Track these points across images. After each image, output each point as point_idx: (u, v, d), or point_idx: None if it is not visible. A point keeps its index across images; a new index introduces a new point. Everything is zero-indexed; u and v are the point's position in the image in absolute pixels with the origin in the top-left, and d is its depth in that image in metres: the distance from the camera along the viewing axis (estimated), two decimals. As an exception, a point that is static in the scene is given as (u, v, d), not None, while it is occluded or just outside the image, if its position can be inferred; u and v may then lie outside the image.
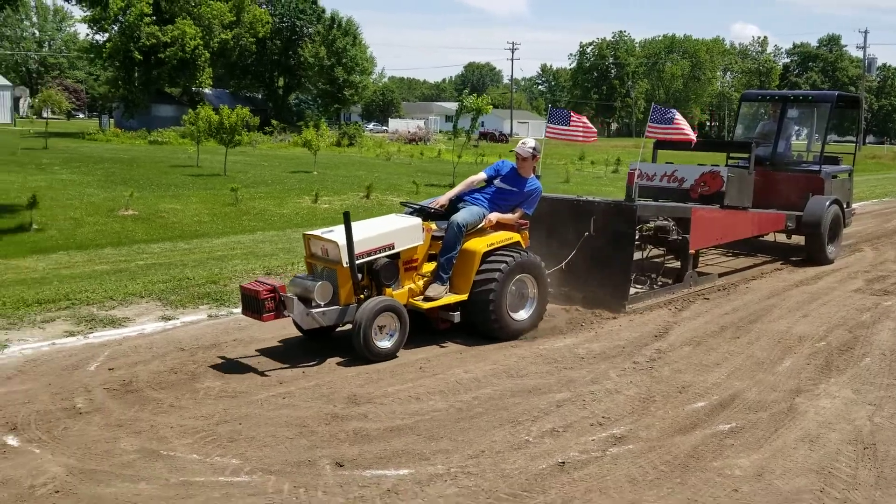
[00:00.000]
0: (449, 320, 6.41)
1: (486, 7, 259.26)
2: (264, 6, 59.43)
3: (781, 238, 11.83)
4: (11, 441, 4.42)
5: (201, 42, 52.05)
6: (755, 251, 11.73)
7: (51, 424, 4.66)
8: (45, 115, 41.43)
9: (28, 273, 9.65)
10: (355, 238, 5.80)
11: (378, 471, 4.19)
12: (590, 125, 9.05)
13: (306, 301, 5.82)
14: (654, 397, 5.44)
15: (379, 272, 6.05)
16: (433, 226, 6.57)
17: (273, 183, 24.90)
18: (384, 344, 5.90)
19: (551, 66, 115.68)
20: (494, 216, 6.75)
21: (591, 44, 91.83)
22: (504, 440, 4.64)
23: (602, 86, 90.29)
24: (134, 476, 4.05)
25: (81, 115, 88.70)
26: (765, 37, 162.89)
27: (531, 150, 6.96)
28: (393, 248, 6.18)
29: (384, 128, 77.50)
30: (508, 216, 6.87)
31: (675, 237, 8.54)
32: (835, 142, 37.53)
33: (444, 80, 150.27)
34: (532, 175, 7.05)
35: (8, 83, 71.58)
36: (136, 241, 12.41)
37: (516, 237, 6.78)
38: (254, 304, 5.69)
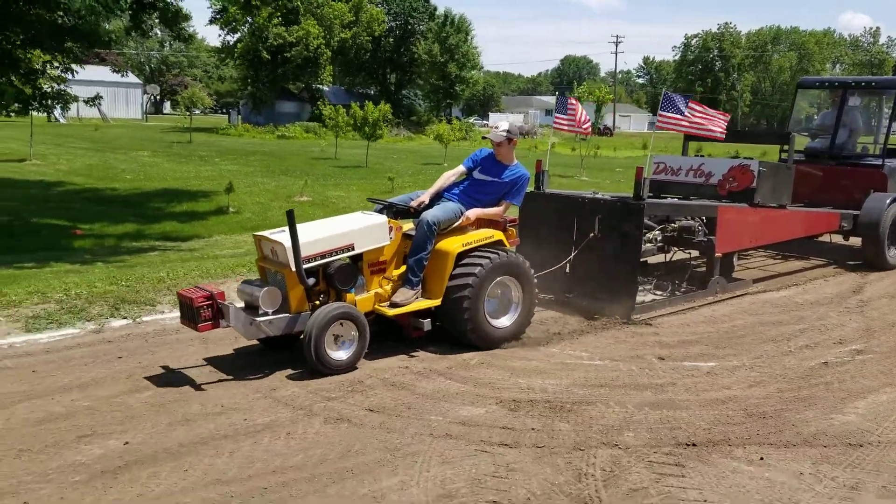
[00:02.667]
0: (419, 328, 5.84)
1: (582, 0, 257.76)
2: (381, 6, 62.07)
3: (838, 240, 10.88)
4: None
5: (323, 41, 55.11)
6: (811, 254, 10.73)
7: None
8: (190, 111, 45.07)
9: (248, 245, 11.59)
10: (309, 238, 5.38)
11: (692, 363, 5.92)
12: (712, 120, 7.80)
13: (254, 309, 5.34)
14: (874, 328, 7.00)
15: (333, 276, 5.46)
16: (411, 224, 6.07)
17: (414, 174, 27.00)
18: (339, 355, 5.33)
19: (653, 58, 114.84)
20: (473, 213, 6.12)
21: (695, 36, 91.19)
22: (773, 350, 6.33)
23: (706, 78, 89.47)
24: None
25: (197, 112, 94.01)
26: (877, 27, 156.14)
27: (504, 134, 6.23)
28: (353, 249, 5.62)
29: (485, 122, 79.23)
30: (492, 210, 6.24)
31: (701, 239, 7.92)
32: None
33: (539, 74, 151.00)
34: (514, 162, 6.38)
35: (139, 81, 76.84)
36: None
37: (498, 235, 6.13)
38: (189, 313, 5.20)
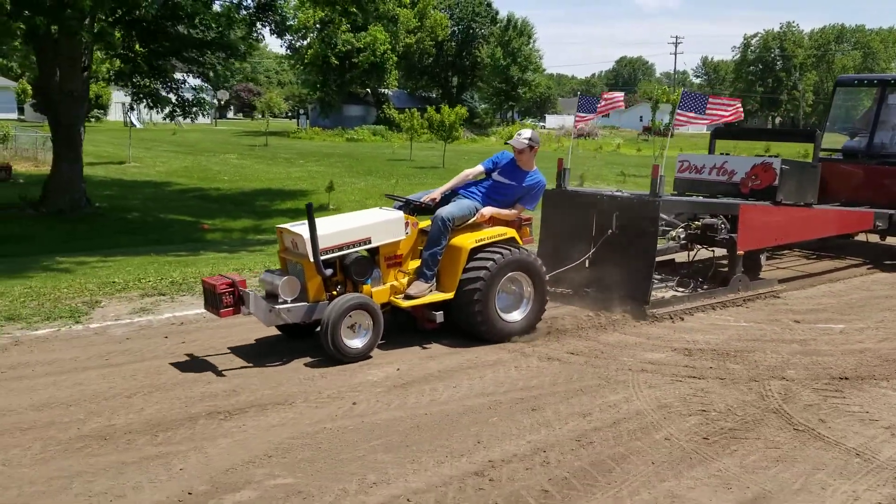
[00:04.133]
0: (432, 321, 6.03)
1: (637, 0, 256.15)
2: (444, 11, 63.51)
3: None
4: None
5: (389, 46, 56.74)
6: (847, 253, 10.62)
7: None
8: (267, 116, 47.03)
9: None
10: (328, 231, 5.61)
11: (824, 325, 6.95)
12: (727, 105, 7.81)
13: (275, 297, 5.59)
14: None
15: (349, 267, 5.73)
16: (429, 221, 6.23)
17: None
18: (355, 343, 5.56)
19: (711, 58, 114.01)
20: (488, 210, 6.32)
21: (755, 35, 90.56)
22: (891, 316, 7.32)
23: (767, 78, 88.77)
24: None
25: (259, 116, 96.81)
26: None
27: (526, 142, 6.43)
28: (370, 243, 5.87)
29: (542, 124, 79.99)
30: (505, 211, 6.43)
31: (724, 236, 7.88)
32: None
33: (593, 75, 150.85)
34: (534, 168, 6.54)
35: (208, 87, 79.59)
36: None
37: (511, 233, 6.30)
38: (212, 299, 5.48)
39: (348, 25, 54.90)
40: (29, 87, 45.24)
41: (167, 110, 13.86)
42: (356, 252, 5.83)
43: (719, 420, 4.69)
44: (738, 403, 4.95)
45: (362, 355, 5.59)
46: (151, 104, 14.47)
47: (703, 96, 7.95)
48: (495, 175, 6.53)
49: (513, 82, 60.77)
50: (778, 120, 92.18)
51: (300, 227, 5.62)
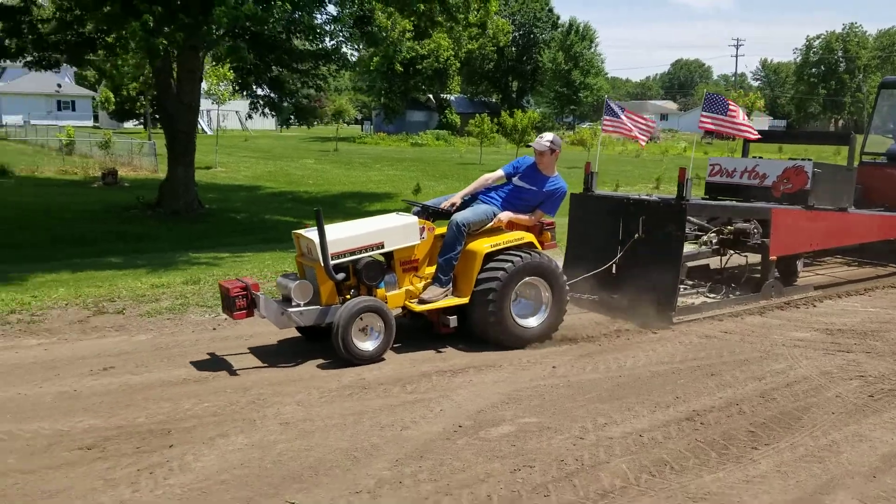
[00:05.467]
0: (446, 325, 5.97)
1: (690, 3, 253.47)
2: (505, 17, 64.27)
3: None
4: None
5: (452, 53, 57.72)
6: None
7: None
8: (339, 122, 48.41)
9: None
10: (340, 236, 5.69)
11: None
12: (747, 124, 7.74)
13: (290, 300, 5.66)
14: None
15: (361, 271, 5.77)
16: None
17: (564, 176, 28.71)
18: (366, 346, 5.60)
19: (771, 60, 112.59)
20: (505, 216, 6.25)
21: (818, 37, 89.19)
22: None
23: (830, 80, 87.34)
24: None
25: (316, 123, 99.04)
26: None
27: (548, 145, 6.37)
28: (383, 247, 5.89)
29: (601, 127, 79.99)
30: (523, 217, 6.34)
31: (756, 241, 7.75)
32: None
33: (647, 78, 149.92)
34: (555, 174, 6.48)
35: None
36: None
37: (528, 237, 6.23)
38: (227, 302, 5.61)
39: (412, 33, 56.49)
40: (112, 96, 47.30)
41: (282, 117, 14.83)
42: (369, 256, 5.85)
43: (877, 383, 5.38)
44: (890, 371, 5.63)
45: (374, 357, 5.62)
46: (269, 112, 15.54)
47: (724, 99, 7.75)
48: (516, 180, 6.44)
49: (574, 86, 61.21)
50: (841, 123, 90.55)
51: (313, 233, 5.63)
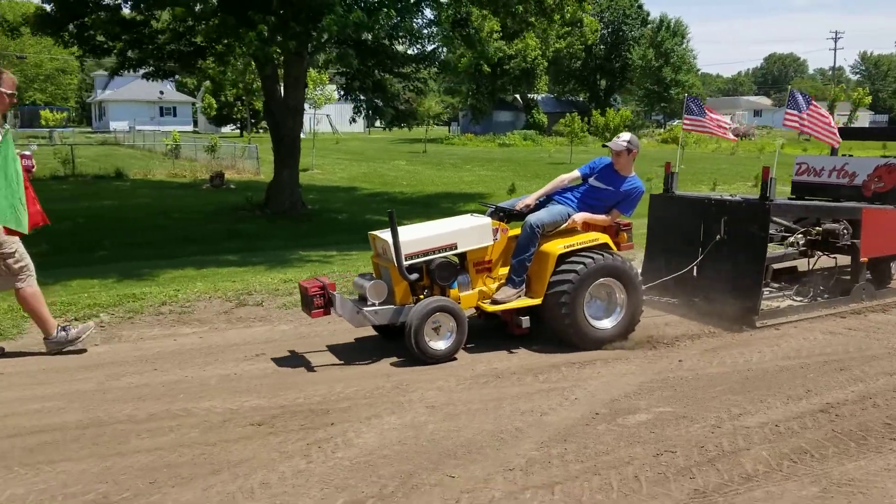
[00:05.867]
0: (519, 325, 6.03)
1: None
2: (594, 15, 63.75)
3: None
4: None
5: (540, 52, 57.66)
6: None
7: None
8: (430, 123, 49.16)
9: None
10: (414, 237, 5.81)
11: None
12: (829, 124, 7.43)
13: (365, 300, 5.82)
14: None
15: (434, 272, 5.86)
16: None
17: (658, 177, 28.36)
18: (439, 345, 5.69)
19: (871, 52, 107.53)
20: (580, 216, 6.23)
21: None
22: None
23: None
24: None
25: (399, 126, 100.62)
26: None
27: (625, 144, 6.34)
28: (456, 248, 5.96)
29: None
30: (599, 217, 6.30)
31: (846, 242, 7.46)
32: None
33: (739, 74, 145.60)
34: (632, 174, 6.44)
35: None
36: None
37: (603, 238, 6.18)
38: (306, 300, 5.78)
39: (499, 33, 56.76)
40: (213, 102, 49.38)
41: (386, 120, 15.33)
42: (442, 257, 5.92)
43: None
44: None
45: (447, 357, 5.69)
46: (373, 115, 16.05)
47: (807, 98, 7.44)
48: (592, 180, 6.42)
49: (665, 83, 60.20)
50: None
51: (387, 234, 5.74)
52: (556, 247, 6.01)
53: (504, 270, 6.19)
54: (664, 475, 3.89)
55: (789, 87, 8.80)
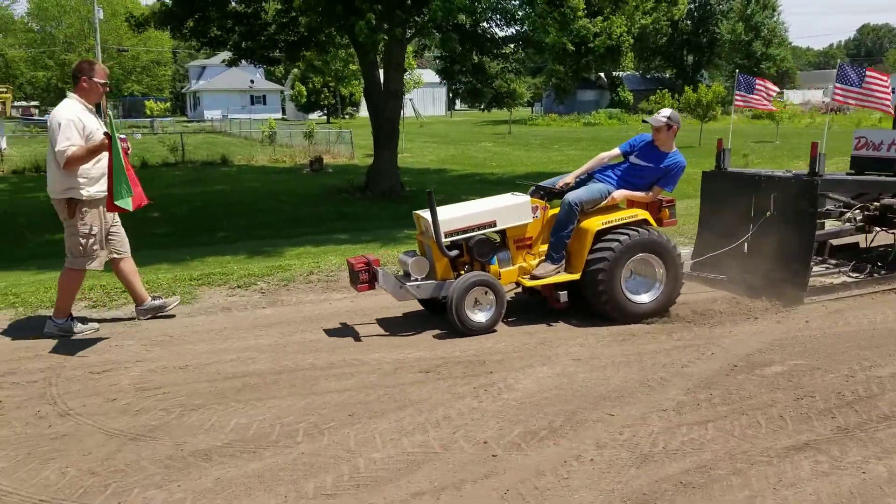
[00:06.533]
0: (557, 300, 6.11)
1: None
2: (681, -10, 62.48)
3: None
4: None
5: (625, 29, 56.85)
6: None
7: None
8: (513, 104, 49.39)
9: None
10: (453, 215, 6.05)
11: None
12: (885, 89, 7.12)
13: (408, 276, 6.11)
14: None
15: (472, 248, 6.08)
16: None
17: (754, 153, 27.89)
18: (479, 318, 5.90)
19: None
20: (619, 194, 6.32)
21: None
22: None
23: None
24: None
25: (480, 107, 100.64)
26: None
27: (664, 120, 6.33)
28: (495, 226, 6.15)
29: (780, 100, 75.62)
30: (638, 194, 6.38)
31: None
32: None
33: (830, 46, 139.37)
34: (673, 149, 6.43)
35: (440, 81, 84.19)
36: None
37: (643, 214, 6.24)
38: (352, 276, 6.09)
39: (584, 10, 56.27)
40: (304, 90, 50.86)
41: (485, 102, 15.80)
42: (482, 234, 6.12)
43: None
44: None
45: (486, 329, 5.91)
46: (472, 98, 16.50)
47: (859, 69, 7.23)
48: (632, 157, 6.47)
49: (756, 58, 58.52)
50: None
51: (429, 213, 5.96)
52: (595, 223, 6.12)
53: (544, 247, 6.34)
54: (807, 415, 4.28)
55: (839, 61, 8.39)
